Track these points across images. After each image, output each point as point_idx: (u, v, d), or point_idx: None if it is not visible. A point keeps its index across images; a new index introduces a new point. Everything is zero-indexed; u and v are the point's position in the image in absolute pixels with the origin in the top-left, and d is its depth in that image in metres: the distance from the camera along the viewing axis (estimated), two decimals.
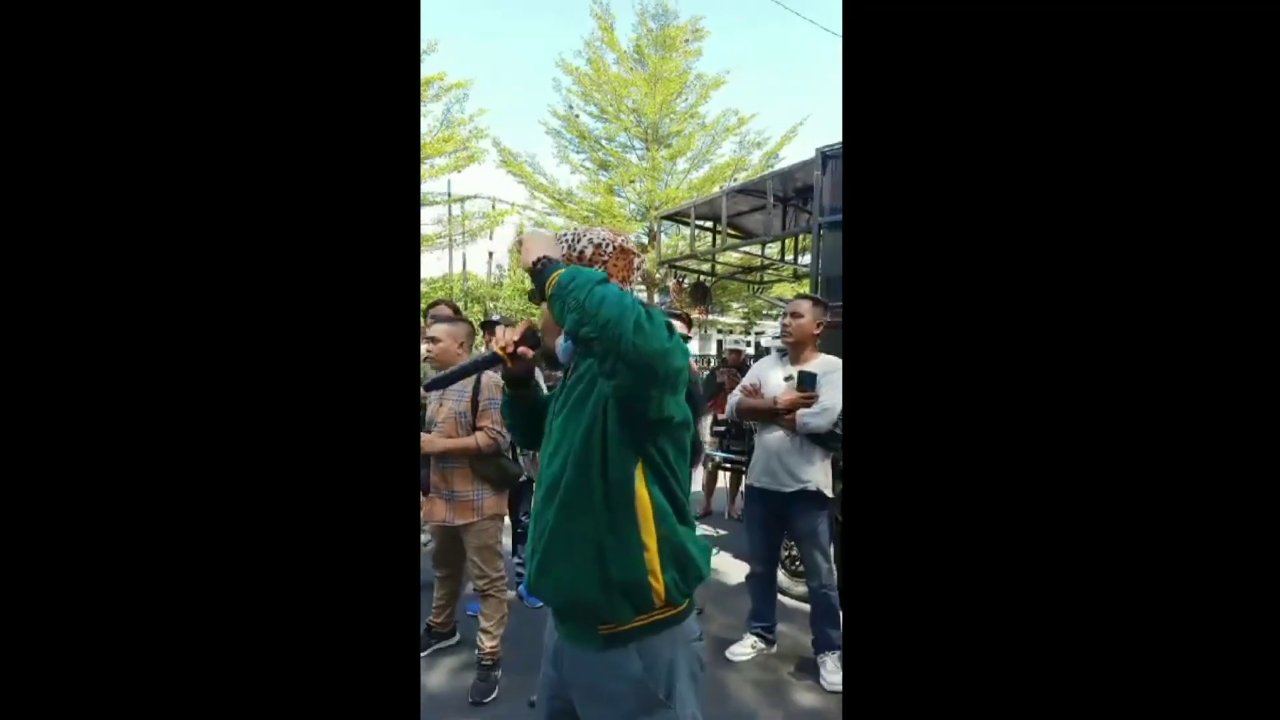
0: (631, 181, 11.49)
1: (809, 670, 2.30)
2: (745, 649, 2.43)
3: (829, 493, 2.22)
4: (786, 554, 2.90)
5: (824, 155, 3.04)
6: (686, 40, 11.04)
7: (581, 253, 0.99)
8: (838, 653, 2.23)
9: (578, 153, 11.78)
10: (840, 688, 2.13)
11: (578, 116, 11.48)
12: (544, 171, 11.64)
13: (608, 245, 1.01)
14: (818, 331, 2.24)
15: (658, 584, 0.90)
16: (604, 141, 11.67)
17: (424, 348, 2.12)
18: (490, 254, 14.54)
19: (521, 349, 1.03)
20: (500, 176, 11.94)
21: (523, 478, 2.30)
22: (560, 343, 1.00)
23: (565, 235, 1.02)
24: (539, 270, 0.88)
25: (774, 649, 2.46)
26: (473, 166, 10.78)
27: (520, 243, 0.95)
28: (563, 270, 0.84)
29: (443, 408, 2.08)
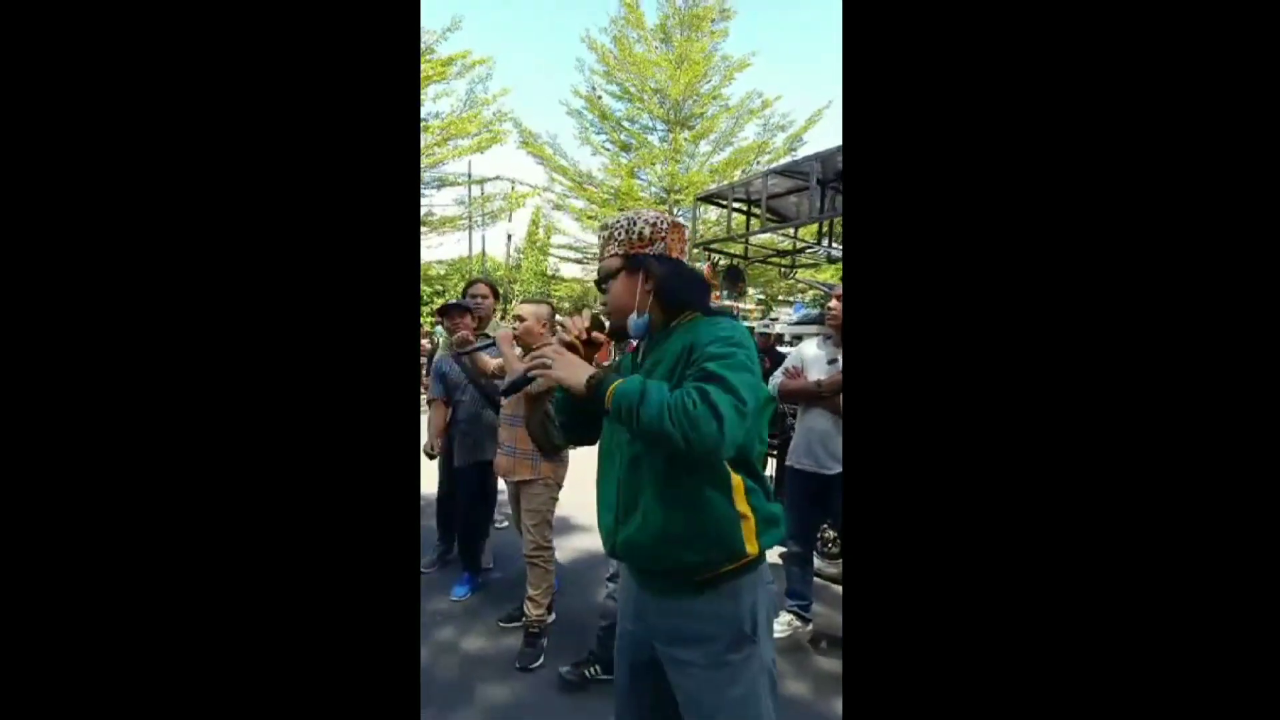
0: (653, 164, 11.41)
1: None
2: (781, 625, 2.45)
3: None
4: (819, 536, 2.91)
5: None
6: (713, 20, 10.87)
7: (640, 233, 1.04)
8: (792, 615, 2.30)
9: (599, 134, 11.70)
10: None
11: (600, 97, 11.38)
12: (565, 153, 11.59)
13: (662, 223, 1.06)
14: None
15: (752, 547, 0.97)
16: (626, 123, 11.57)
17: (510, 327, 2.18)
18: (509, 236, 14.53)
19: (594, 334, 1.06)
20: (520, 157, 11.91)
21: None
22: (633, 319, 1.02)
23: (620, 223, 1.06)
24: (593, 390, 0.91)
25: (809, 627, 2.48)
26: (494, 148, 10.77)
27: (559, 379, 0.96)
28: (611, 391, 0.88)
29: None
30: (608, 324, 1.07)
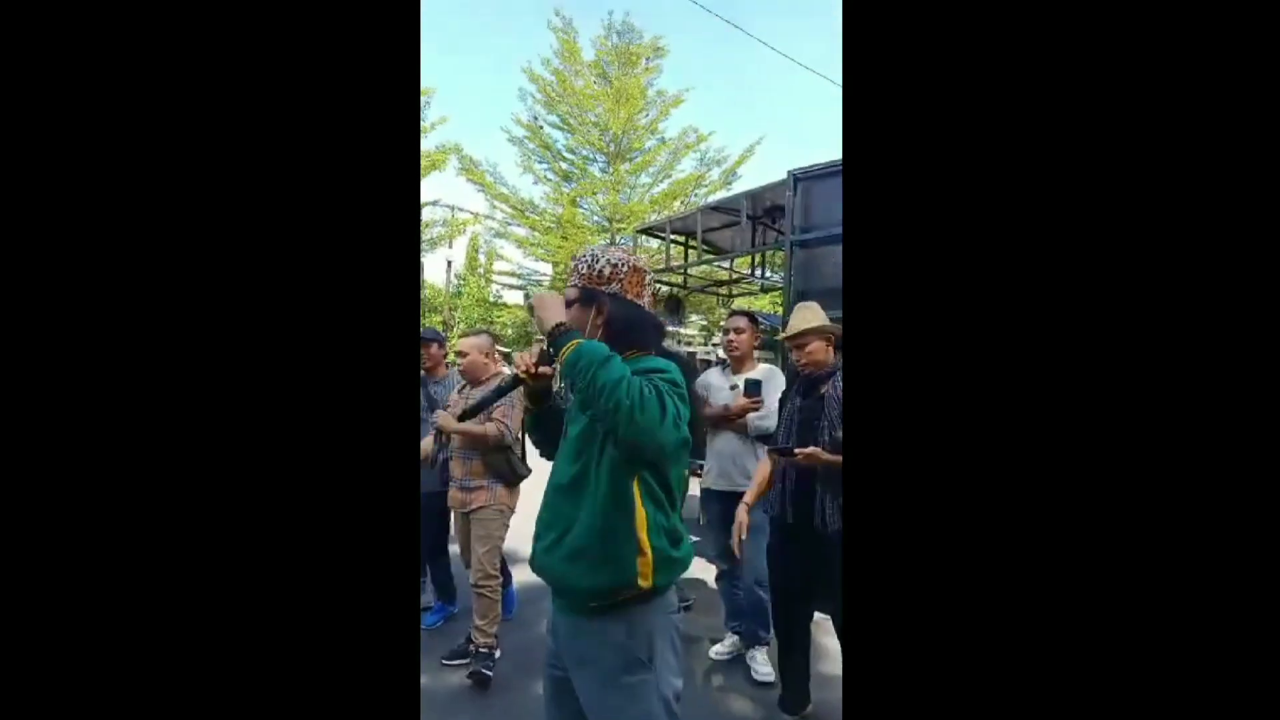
0: (594, 193, 11.62)
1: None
2: (727, 647, 2.52)
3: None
4: None
5: (795, 177, 3.23)
6: (647, 57, 11.32)
7: (600, 272, 1.11)
8: (766, 648, 2.39)
9: (540, 163, 11.83)
10: (770, 679, 2.26)
11: (542, 128, 11.54)
12: (506, 181, 11.63)
13: (623, 265, 1.12)
14: (756, 344, 2.50)
15: (646, 582, 1.01)
16: (567, 154, 11.77)
17: (445, 412, 2.27)
18: (449, 262, 14.33)
19: (540, 369, 1.12)
20: (460, 184, 11.85)
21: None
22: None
23: (585, 257, 1.13)
24: (556, 335, 1.00)
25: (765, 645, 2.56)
26: (433, 174, 10.68)
27: (532, 307, 1.06)
28: (574, 345, 0.96)
29: (461, 399, 2.27)
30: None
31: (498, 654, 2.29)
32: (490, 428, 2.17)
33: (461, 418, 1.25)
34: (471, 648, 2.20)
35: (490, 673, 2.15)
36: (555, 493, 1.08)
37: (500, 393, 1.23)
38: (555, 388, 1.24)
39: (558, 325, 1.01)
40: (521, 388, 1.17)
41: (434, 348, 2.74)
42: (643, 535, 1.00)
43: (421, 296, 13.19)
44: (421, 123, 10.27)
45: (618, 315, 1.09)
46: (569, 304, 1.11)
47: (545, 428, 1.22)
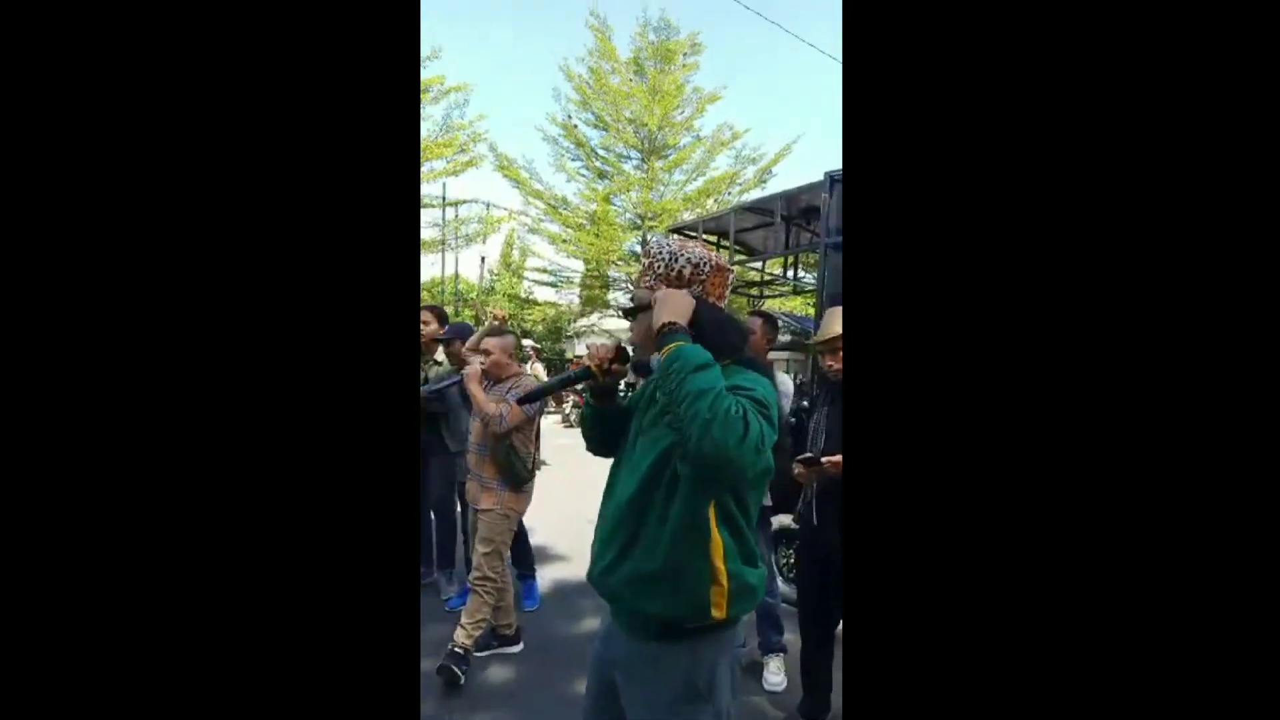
0: (628, 190, 11.64)
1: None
2: (776, 674, 2.44)
3: (768, 502, 2.25)
4: (785, 562, 2.97)
5: (831, 179, 3.18)
6: (685, 54, 11.26)
7: (680, 272, 0.99)
8: (782, 655, 2.31)
9: (575, 160, 11.91)
10: (780, 688, 2.21)
11: (576, 126, 11.62)
12: (540, 178, 11.74)
13: (705, 264, 1.00)
14: (769, 346, 2.36)
15: (720, 613, 0.95)
16: (601, 151, 11.81)
17: (477, 360, 2.25)
18: (483, 258, 14.55)
19: (614, 365, 1.05)
20: (496, 181, 12.01)
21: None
22: (655, 357, 0.98)
23: (662, 254, 1.00)
24: (663, 332, 0.92)
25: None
26: (469, 171, 10.87)
27: (654, 302, 0.97)
28: (676, 346, 0.89)
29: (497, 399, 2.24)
30: (631, 355, 1.06)
31: (518, 647, 2.31)
32: (492, 406, 2.13)
33: (525, 400, 1.25)
34: (450, 644, 2.14)
35: (462, 675, 2.08)
36: (617, 509, 1.00)
37: (566, 382, 1.17)
38: (623, 386, 1.17)
39: (667, 323, 0.92)
40: (590, 381, 1.09)
41: (457, 344, 2.64)
42: (719, 564, 0.94)
43: (457, 290, 13.45)
44: (460, 119, 10.46)
45: (703, 321, 0.96)
46: (643, 308, 1.00)
47: (604, 426, 1.14)
